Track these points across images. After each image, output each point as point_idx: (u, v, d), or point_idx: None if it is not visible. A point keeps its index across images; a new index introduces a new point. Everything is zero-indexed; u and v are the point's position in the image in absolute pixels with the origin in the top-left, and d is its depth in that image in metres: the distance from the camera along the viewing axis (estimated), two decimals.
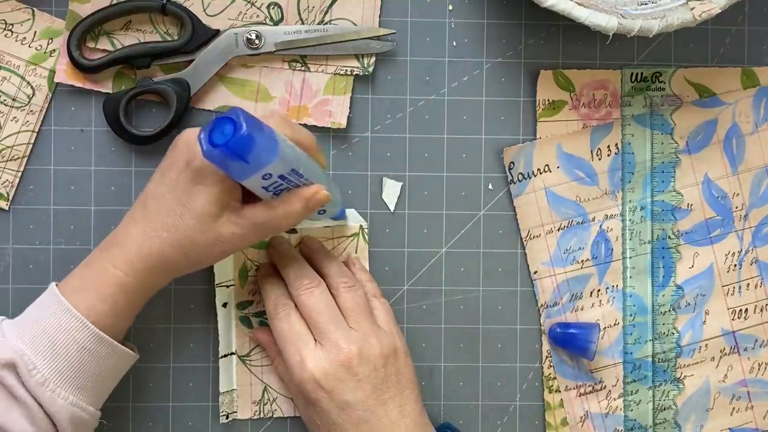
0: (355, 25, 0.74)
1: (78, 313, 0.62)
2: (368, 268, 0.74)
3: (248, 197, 0.65)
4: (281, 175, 0.62)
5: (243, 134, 0.58)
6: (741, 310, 0.77)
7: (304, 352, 0.67)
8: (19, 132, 0.73)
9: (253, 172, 0.60)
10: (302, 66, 0.74)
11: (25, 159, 0.73)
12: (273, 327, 0.69)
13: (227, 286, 0.73)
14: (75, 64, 0.71)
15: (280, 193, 0.64)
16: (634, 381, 0.76)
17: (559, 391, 0.76)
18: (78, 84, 0.72)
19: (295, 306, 0.69)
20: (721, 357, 0.77)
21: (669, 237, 0.76)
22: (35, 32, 0.73)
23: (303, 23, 0.73)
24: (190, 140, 0.63)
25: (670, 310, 0.76)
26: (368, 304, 0.70)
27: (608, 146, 0.76)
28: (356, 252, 0.74)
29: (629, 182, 0.76)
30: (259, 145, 0.59)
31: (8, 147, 0.73)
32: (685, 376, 0.76)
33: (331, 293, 0.69)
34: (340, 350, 0.66)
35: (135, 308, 0.66)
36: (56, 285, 0.65)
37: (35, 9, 0.73)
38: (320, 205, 0.65)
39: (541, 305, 0.76)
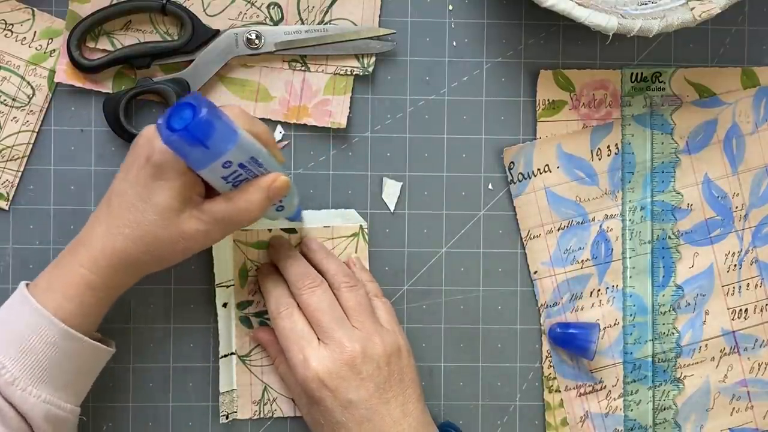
0: (355, 25, 0.74)
1: (44, 310, 0.62)
2: (368, 268, 0.74)
3: (210, 195, 0.65)
4: (241, 163, 0.61)
5: (202, 118, 0.58)
6: (741, 310, 0.77)
7: (308, 350, 0.67)
8: (19, 132, 0.73)
9: (213, 159, 0.60)
10: (302, 66, 0.74)
11: (25, 159, 0.73)
12: (275, 326, 0.69)
13: (227, 286, 0.73)
14: (75, 64, 0.71)
15: (239, 185, 0.63)
16: (634, 381, 0.76)
17: (559, 391, 0.76)
18: (78, 84, 0.72)
19: (297, 305, 0.69)
20: (721, 357, 0.77)
21: (669, 237, 0.76)
22: (35, 32, 0.73)
23: (303, 23, 0.73)
24: (150, 136, 0.63)
25: (670, 310, 0.76)
26: (370, 304, 0.70)
27: (608, 146, 0.76)
28: (356, 252, 0.74)
29: (629, 182, 0.76)
30: (219, 130, 0.59)
31: (8, 147, 0.73)
32: (685, 376, 0.76)
33: (333, 293, 0.69)
34: (343, 349, 0.66)
35: (103, 306, 0.65)
36: (26, 285, 0.65)
37: (35, 9, 0.73)
38: (280, 194, 0.64)
39: (541, 305, 0.76)
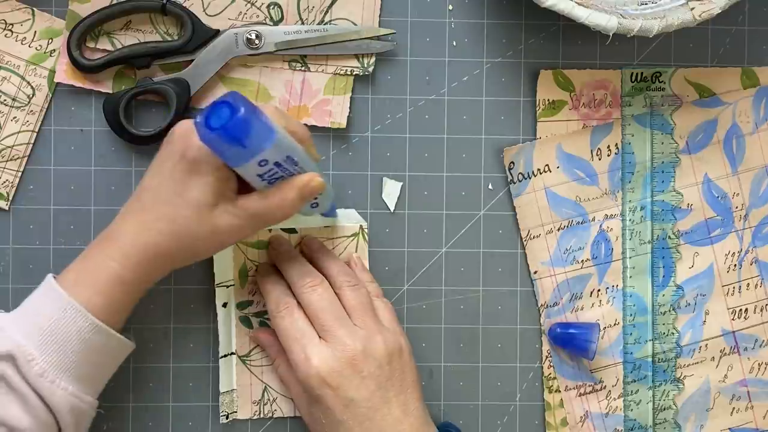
0: (355, 25, 0.74)
1: (77, 303, 0.62)
2: (368, 268, 0.74)
3: (244, 190, 0.65)
4: (277, 162, 0.62)
5: (240, 117, 0.58)
6: (741, 310, 0.77)
7: (309, 348, 0.67)
8: (19, 132, 0.73)
9: (250, 157, 0.60)
10: (302, 66, 0.74)
11: (25, 159, 0.73)
12: (276, 325, 0.69)
13: (227, 286, 0.73)
14: (75, 63, 0.71)
15: (274, 182, 0.64)
16: (634, 381, 0.76)
17: (559, 391, 0.76)
18: (78, 84, 0.72)
19: (298, 304, 0.69)
20: (721, 357, 0.77)
21: (669, 237, 0.76)
22: (35, 32, 0.73)
23: (303, 23, 0.73)
24: (185, 131, 0.63)
25: (670, 310, 0.76)
26: (372, 303, 0.70)
27: (608, 146, 0.76)
28: (356, 252, 0.74)
29: (629, 182, 0.76)
30: (256, 130, 0.59)
31: (8, 147, 0.73)
32: (685, 376, 0.76)
33: (335, 292, 0.69)
34: (345, 347, 0.66)
35: (132, 300, 0.66)
36: (54, 277, 0.65)
37: (35, 9, 0.73)
38: (315, 193, 0.65)
39: (541, 305, 0.76)
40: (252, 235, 0.66)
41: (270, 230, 0.73)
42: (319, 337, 0.67)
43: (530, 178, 0.75)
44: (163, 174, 0.64)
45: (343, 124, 0.74)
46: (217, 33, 0.72)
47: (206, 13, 0.73)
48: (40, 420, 0.62)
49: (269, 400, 0.74)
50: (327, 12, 0.73)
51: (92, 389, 0.65)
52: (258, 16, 0.73)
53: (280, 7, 0.73)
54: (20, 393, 0.61)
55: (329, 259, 0.71)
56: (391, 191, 0.75)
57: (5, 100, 0.73)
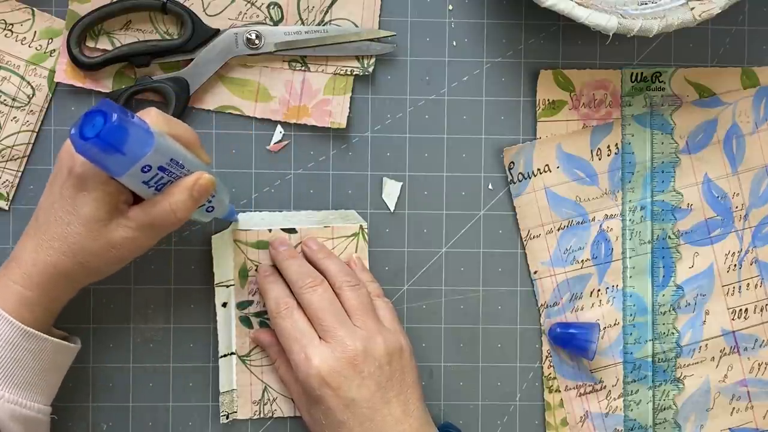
0: (356, 25, 0.74)
1: (2, 311, 0.62)
2: (368, 268, 0.74)
3: (138, 201, 0.64)
4: (161, 166, 0.61)
5: (114, 124, 0.57)
6: (741, 310, 0.77)
7: (310, 349, 0.67)
8: (19, 132, 0.73)
9: (131, 164, 0.59)
10: (302, 66, 0.74)
11: (25, 159, 0.73)
12: (276, 326, 0.69)
13: (227, 286, 0.73)
14: (75, 61, 0.71)
15: (162, 188, 0.63)
16: (634, 381, 0.76)
17: (559, 391, 0.76)
18: (78, 83, 0.72)
19: (297, 305, 0.69)
20: (721, 357, 0.77)
21: (669, 237, 0.76)
22: (35, 32, 0.73)
23: (303, 23, 0.73)
24: (70, 148, 0.62)
25: (670, 310, 0.76)
26: (372, 303, 0.70)
27: (608, 146, 0.76)
28: (356, 252, 0.74)
29: (629, 182, 0.76)
30: (133, 135, 0.58)
31: (8, 147, 0.73)
32: (685, 376, 0.76)
33: (335, 292, 0.69)
34: (345, 347, 0.66)
35: (43, 321, 0.65)
36: None
37: (35, 9, 0.73)
38: (205, 191, 0.63)
39: (541, 305, 0.76)
40: (150, 245, 0.65)
41: (270, 230, 0.73)
42: (320, 337, 0.67)
43: (530, 178, 0.75)
44: (54, 193, 0.63)
45: (343, 124, 0.74)
46: (217, 32, 0.72)
47: (206, 13, 0.73)
48: None
49: (269, 400, 0.74)
50: (327, 12, 0.73)
51: (38, 395, 0.65)
52: (258, 16, 0.73)
53: (280, 7, 0.73)
54: None
55: (329, 259, 0.71)
56: (391, 191, 0.75)
57: (5, 100, 0.73)
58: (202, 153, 0.66)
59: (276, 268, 0.72)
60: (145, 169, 0.60)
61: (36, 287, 0.63)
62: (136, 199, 0.64)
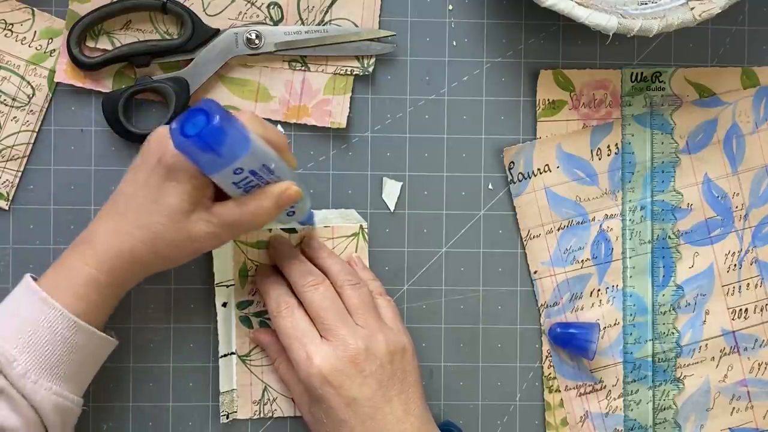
0: (356, 25, 0.74)
1: (56, 302, 0.63)
2: (368, 268, 0.74)
3: (220, 197, 0.65)
4: (252, 170, 0.61)
5: (215, 125, 0.58)
6: (741, 309, 0.77)
7: (311, 347, 0.66)
8: (19, 132, 0.73)
9: (225, 165, 0.60)
10: (302, 66, 0.74)
11: (25, 159, 0.73)
12: (276, 325, 0.69)
13: (227, 286, 0.73)
14: (75, 61, 0.71)
15: (250, 190, 0.63)
16: (634, 381, 0.76)
17: (559, 391, 0.76)
18: (78, 83, 0.72)
19: (298, 304, 0.69)
20: (721, 357, 0.77)
21: (669, 237, 0.76)
22: (35, 32, 0.73)
23: (303, 23, 0.73)
24: (161, 137, 0.63)
25: (670, 310, 0.76)
26: (373, 302, 0.70)
27: (608, 146, 0.76)
28: (356, 251, 0.74)
29: (629, 182, 0.76)
30: (231, 138, 0.59)
31: (8, 147, 0.73)
32: (685, 376, 0.76)
33: (336, 291, 0.69)
34: (347, 346, 0.66)
35: (110, 304, 0.66)
36: (32, 278, 0.65)
37: (35, 9, 0.73)
38: (291, 202, 0.65)
39: (541, 305, 0.76)
40: (227, 241, 0.67)
41: (270, 230, 0.73)
42: (321, 336, 0.67)
43: (530, 178, 0.75)
44: (139, 180, 0.64)
45: (343, 124, 0.74)
46: (217, 32, 0.72)
47: (206, 13, 0.73)
48: (28, 419, 0.62)
49: (269, 399, 0.74)
50: (327, 12, 0.73)
51: (77, 387, 0.65)
52: (258, 16, 0.73)
53: (280, 7, 0.73)
54: (6, 393, 0.61)
55: (330, 258, 0.71)
56: (391, 191, 0.75)
57: (5, 100, 0.73)
58: (290, 157, 0.67)
59: (276, 268, 0.72)
60: (237, 171, 0.61)
61: (109, 271, 0.64)
62: (219, 195, 0.64)
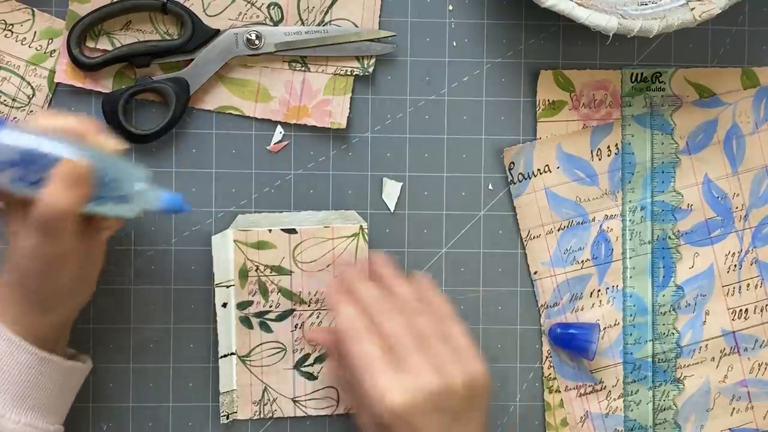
0: (356, 25, 0.74)
1: (13, 336, 0.62)
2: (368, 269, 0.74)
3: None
4: (13, 160, 0.59)
5: None
6: (741, 310, 0.77)
7: (382, 378, 0.62)
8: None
9: None
10: (302, 66, 0.74)
11: None
12: (347, 350, 0.65)
13: (227, 286, 0.73)
14: (75, 61, 0.71)
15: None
16: (634, 381, 0.76)
17: (559, 392, 0.76)
18: (78, 84, 0.72)
19: (370, 329, 0.65)
20: (721, 357, 0.77)
21: (669, 237, 0.76)
22: (35, 32, 0.73)
23: (303, 23, 0.73)
24: None
25: (670, 311, 0.76)
26: (446, 330, 0.67)
27: (608, 146, 0.76)
28: (356, 252, 0.74)
29: (629, 182, 0.76)
30: None
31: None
32: (685, 377, 0.76)
33: (408, 318, 0.66)
34: (420, 378, 0.62)
35: (61, 334, 0.66)
36: None
37: (35, 9, 0.73)
38: (77, 176, 0.59)
39: (541, 305, 0.76)
40: (95, 250, 0.65)
41: (270, 230, 0.73)
42: (392, 364, 0.63)
43: (530, 179, 0.75)
44: None
45: (343, 125, 0.74)
46: (217, 33, 0.72)
47: (206, 13, 0.73)
48: None
49: (269, 400, 0.74)
50: (327, 12, 0.73)
51: (52, 416, 0.65)
52: (258, 16, 0.73)
53: (280, 7, 0.73)
54: None
55: (402, 283, 0.69)
56: (391, 191, 0.75)
57: (5, 100, 0.73)
58: (104, 142, 0.62)
59: (347, 289, 0.69)
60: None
61: (26, 326, 0.63)
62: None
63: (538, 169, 0.75)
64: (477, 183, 0.75)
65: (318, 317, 0.73)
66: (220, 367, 0.74)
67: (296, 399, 0.75)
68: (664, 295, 0.76)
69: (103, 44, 0.72)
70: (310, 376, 0.74)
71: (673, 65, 0.76)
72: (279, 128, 0.74)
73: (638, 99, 0.76)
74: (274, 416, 0.74)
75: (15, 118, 0.72)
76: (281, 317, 0.74)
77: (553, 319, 0.76)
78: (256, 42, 0.72)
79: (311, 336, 0.73)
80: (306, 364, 0.74)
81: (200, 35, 0.72)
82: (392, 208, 0.75)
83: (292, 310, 0.73)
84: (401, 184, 0.75)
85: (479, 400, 0.65)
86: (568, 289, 0.76)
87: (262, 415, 0.74)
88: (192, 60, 0.72)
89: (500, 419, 0.76)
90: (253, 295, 0.74)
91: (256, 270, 0.73)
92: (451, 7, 0.75)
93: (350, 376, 0.66)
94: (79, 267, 0.63)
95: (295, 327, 0.74)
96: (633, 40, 0.75)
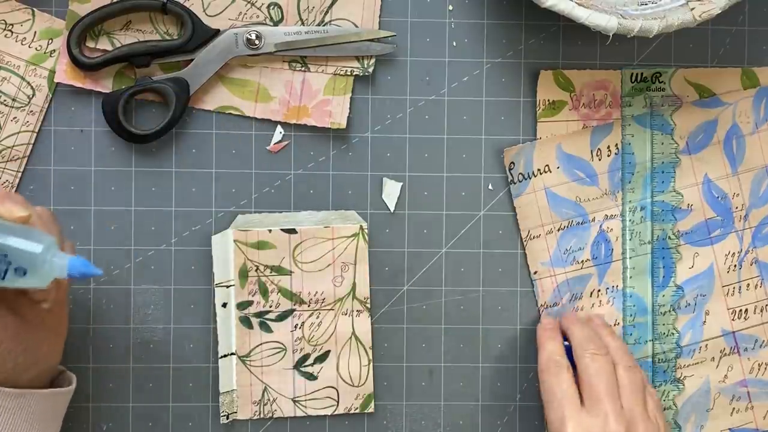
0: (356, 25, 0.74)
1: None
2: (368, 269, 0.74)
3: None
4: None
5: None
6: (741, 310, 0.77)
7: (568, 411, 0.67)
8: (19, 132, 0.73)
9: None
10: (302, 66, 0.74)
11: (25, 159, 0.73)
12: (542, 379, 0.70)
13: (227, 286, 0.73)
14: (75, 61, 0.71)
15: None
16: None
17: None
18: (78, 84, 0.72)
19: (568, 367, 0.69)
20: (721, 357, 0.77)
21: (669, 237, 0.76)
22: (35, 32, 0.73)
23: (303, 23, 0.73)
24: None
25: (670, 311, 0.76)
26: (644, 390, 0.70)
27: (608, 146, 0.76)
28: (356, 252, 0.74)
29: (629, 182, 0.76)
30: None
31: (8, 147, 0.73)
32: (685, 377, 0.76)
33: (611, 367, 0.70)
34: (606, 423, 0.66)
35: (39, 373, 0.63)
36: None
37: (35, 9, 0.73)
38: None
39: (542, 305, 0.76)
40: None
41: (270, 230, 0.73)
42: (582, 405, 0.67)
43: (530, 179, 0.75)
44: None
45: (343, 125, 0.74)
46: (217, 33, 0.72)
47: (206, 13, 0.73)
48: None
49: (269, 400, 0.74)
50: (327, 12, 0.73)
51: None
52: (258, 16, 0.73)
53: (280, 7, 0.73)
54: None
55: (611, 337, 0.72)
56: (391, 191, 0.75)
57: (5, 100, 0.73)
58: (4, 210, 0.58)
59: (557, 324, 0.73)
60: None
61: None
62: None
63: (538, 169, 0.75)
64: (477, 183, 0.75)
65: (318, 317, 0.73)
66: (220, 367, 0.74)
67: (296, 399, 0.75)
68: (664, 295, 0.76)
69: (103, 44, 0.72)
70: (310, 376, 0.74)
71: (673, 65, 0.76)
72: (279, 128, 0.74)
73: (638, 99, 0.76)
74: (274, 416, 0.74)
75: (15, 118, 0.72)
76: (281, 317, 0.74)
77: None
78: (256, 42, 0.72)
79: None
80: (306, 364, 0.74)
81: (200, 35, 0.72)
82: (392, 208, 0.75)
83: (292, 310, 0.73)
84: (401, 184, 0.75)
85: None
86: (568, 289, 0.76)
87: (262, 415, 0.74)
88: (192, 60, 0.72)
89: (500, 419, 0.76)
90: (253, 295, 0.74)
91: (256, 270, 0.73)
92: (451, 7, 0.75)
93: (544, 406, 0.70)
94: (25, 340, 0.61)
95: (295, 327, 0.74)
96: (633, 40, 0.75)
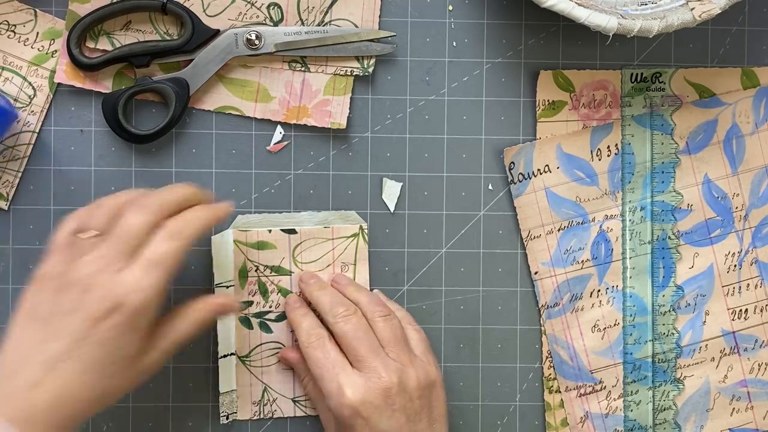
0: (356, 26, 0.74)
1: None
2: (368, 269, 0.74)
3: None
4: None
5: None
6: (741, 310, 0.77)
7: (342, 378, 0.66)
8: (19, 132, 0.73)
9: None
10: (302, 66, 0.74)
11: (26, 159, 0.73)
12: (307, 356, 0.69)
13: (227, 287, 0.73)
14: (75, 62, 0.71)
15: None
16: (634, 381, 0.76)
17: (559, 392, 0.76)
18: (78, 84, 0.73)
19: (329, 335, 0.69)
20: (721, 357, 0.77)
21: (669, 237, 0.76)
22: (37, 33, 0.73)
23: (303, 24, 0.74)
24: (105, 284, 0.60)
25: (670, 311, 0.76)
26: (404, 334, 0.70)
27: (608, 146, 0.76)
28: (356, 252, 0.74)
29: (629, 182, 0.76)
30: None
31: (9, 147, 0.73)
32: (685, 377, 0.76)
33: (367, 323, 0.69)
34: (379, 378, 0.66)
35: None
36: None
37: (37, 10, 0.73)
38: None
39: (542, 305, 0.76)
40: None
41: (270, 231, 0.73)
42: (352, 366, 0.67)
43: (530, 179, 0.75)
44: (76, 335, 0.59)
45: (343, 125, 0.74)
46: (217, 33, 0.72)
47: (206, 14, 0.73)
48: None
49: (269, 400, 0.74)
50: (327, 12, 0.74)
51: None
52: (258, 16, 0.73)
53: (280, 7, 0.73)
54: None
55: (359, 292, 0.72)
56: (391, 191, 0.75)
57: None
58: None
59: (303, 299, 0.73)
60: None
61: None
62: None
63: (538, 169, 0.75)
64: (477, 183, 0.75)
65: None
66: (220, 368, 0.74)
67: (296, 399, 0.75)
68: (664, 295, 0.76)
69: (103, 44, 0.72)
70: None
71: (673, 65, 0.76)
72: (279, 128, 0.74)
73: (638, 99, 0.76)
74: (274, 416, 0.75)
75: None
76: (281, 317, 0.74)
77: (553, 319, 0.76)
78: (256, 42, 0.72)
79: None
80: None
81: (200, 35, 0.72)
82: (392, 208, 0.75)
83: None
84: (401, 184, 0.75)
85: (432, 403, 0.68)
86: (568, 289, 0.76)
87: (262, 416, 0.74)
88: (192, 60, 0.72)
89: (500, 419, 0.76)
90: (252, 296, 0.74)
91: (255, 270, 0.73)
92: (451, 7, 0.75)
93: (315, 383, 0.70)
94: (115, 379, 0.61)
95: None
96: (633, 40, 0.75)
